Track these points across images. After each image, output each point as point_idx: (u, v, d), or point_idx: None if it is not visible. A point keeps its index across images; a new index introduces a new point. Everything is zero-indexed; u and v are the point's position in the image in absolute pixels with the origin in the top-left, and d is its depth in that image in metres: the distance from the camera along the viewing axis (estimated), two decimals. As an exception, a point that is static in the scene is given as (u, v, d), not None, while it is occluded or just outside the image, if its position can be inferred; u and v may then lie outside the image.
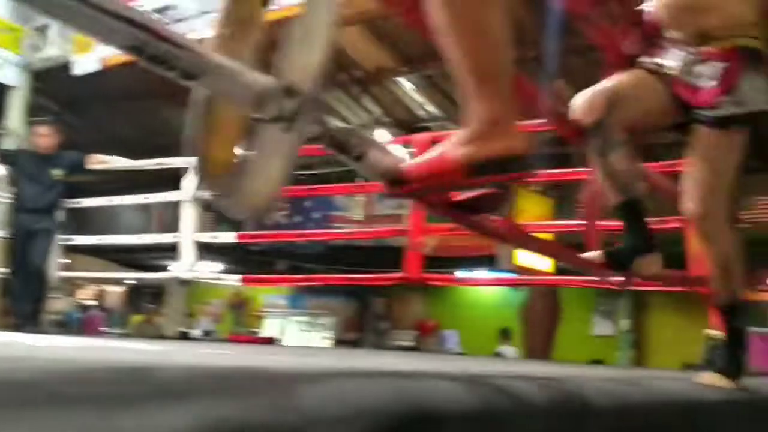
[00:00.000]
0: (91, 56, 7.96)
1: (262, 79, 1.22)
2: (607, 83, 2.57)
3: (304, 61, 1.27)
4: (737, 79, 2.34)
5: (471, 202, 1.69)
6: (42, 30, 8.45)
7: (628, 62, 2.71)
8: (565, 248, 3.33)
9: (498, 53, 1.48)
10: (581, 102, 2.57)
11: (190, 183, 6.18)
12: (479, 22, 1.45)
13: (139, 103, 11.61)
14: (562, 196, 10.21)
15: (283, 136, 1.23)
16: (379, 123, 12.04)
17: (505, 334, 12.38)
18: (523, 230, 3.09)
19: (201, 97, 1.34)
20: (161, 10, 7.46)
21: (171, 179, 6.74)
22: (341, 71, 10.62)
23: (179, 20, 7.39)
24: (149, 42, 1.06)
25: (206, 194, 5.93)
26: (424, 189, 1.56)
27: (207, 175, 1.37)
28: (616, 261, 2.59)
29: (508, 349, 12.05)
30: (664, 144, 9.78)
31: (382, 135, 11.66)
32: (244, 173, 1.26)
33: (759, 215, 9.37)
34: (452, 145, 1.51)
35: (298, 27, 1.29)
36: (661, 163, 4.71)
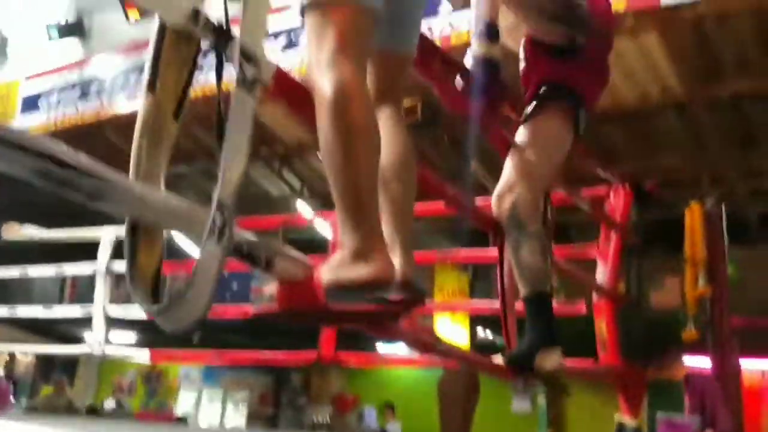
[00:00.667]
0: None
1: (185, 202, 1.31)
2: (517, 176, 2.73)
3: (232, 177, 1.36)
4: None
5: (356, 314, 1.73)
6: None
7: None
8: (470, 354, 3.42)
9: (363, 187, 1.62)
10: (494, 197, 2.73)
11: (104, 254, 6.12)
12: (345, 156, 1.61)
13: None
14: (479, 271, 10.41)
15: (212, 251, 1.31)
16: (299, 196, 12.14)
17: (389, 409, 12.28)
18: (429, 336, 3.19)
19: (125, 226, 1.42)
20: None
21: (87, 248, 6.67)
22: (263, 145, 10.72)
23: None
24: (53, 170, 1.11)
25: (120, 267, 5.99)
26: (293, 311, 1.64)
27: (136, 285, 1.43)
28: (516, 364, 2.66)
29: (393, 425, 11.94)
30: (577, 226, 10.15)
31: (303, 208, 11.77)
32: (176, 295, 1.33)
33: (668, 296, 9.67)
34: (323, 269, 1.60)
35: (226, 148, 1.38)
36: (570, 245, 4.89)
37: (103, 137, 10.53)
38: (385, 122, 1.95)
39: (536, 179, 2.72)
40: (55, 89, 8.06)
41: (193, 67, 1.57)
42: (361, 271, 1.57)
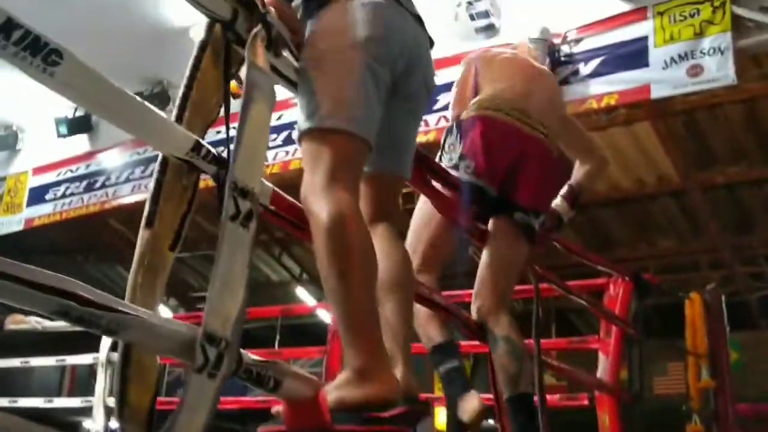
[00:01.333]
0: (16, 217, 8.05)
1: (185, 330, 1.33)
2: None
3: (225, 309, 1.38)
4: None
5: None
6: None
7: None
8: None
9: (364, 309, 1.67)
10: (473, 301, 2.82)
11: (105, 345, 6.16)
12: (343, 279, 1.66)
13: (61, 258, 11.57)
14: (480, 360, 10.35)
15: (206, 383, 1.31)
16: (299, 281, 12.20)
17: None
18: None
19: (121, 347, 1.43)
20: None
21: (89, 338, 6.69)
22: (262, 231, 10.82)
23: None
24: (74, 307, 1.14)
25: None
26: (300, 430, 1.64)
27: (126, 422, 1.42)
28: None
29: None
30: (576, 311, 10.13)
31: (303, 294, 11.85)
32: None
33: (671, 382, 9.60)
34: (329, 388, 1.63)
35: (216, 280, 1.39)
36: (570, 339, 4.91)
37: (107, 225, 10.65)
38: (382, 239, 2.01)
39: (495, 288, 2.83)
40: (61, 181, 8.19)
41: (193, 196, 1.61)
42: (367, 391, 1.60)
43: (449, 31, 5.87)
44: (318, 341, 7.08)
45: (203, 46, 1.68)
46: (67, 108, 7.90)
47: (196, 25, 6.44)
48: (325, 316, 7.44)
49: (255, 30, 1.67)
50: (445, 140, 3.02)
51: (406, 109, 2.08)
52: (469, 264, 3.08)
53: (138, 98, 1.43)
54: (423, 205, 2.88)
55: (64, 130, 7.86)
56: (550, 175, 2.98)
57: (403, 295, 2.00)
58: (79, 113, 7.85)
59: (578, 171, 3.29)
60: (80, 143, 8.11)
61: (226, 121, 1.59)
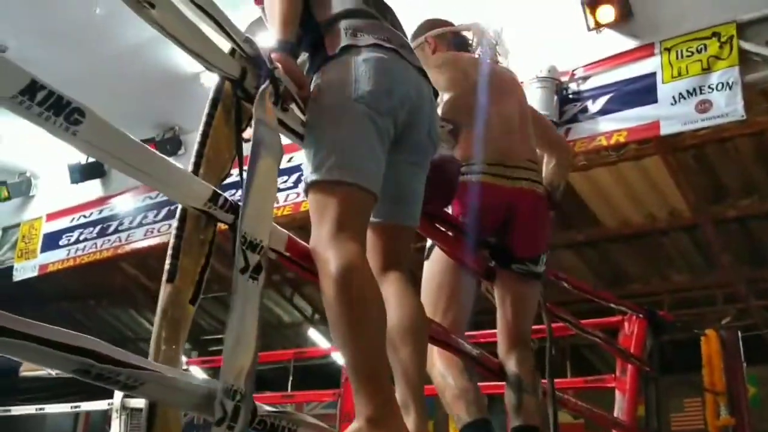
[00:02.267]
0: (30, 263, 8.11)
1: (204, 384, 1.34)
2: None
3: (239, 362, 1.40)
4: None
5: None
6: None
7: None
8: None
9: (373, 358, 1.68)
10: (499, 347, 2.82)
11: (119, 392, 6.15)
12: (352, 329, 1.68)
13: (75, 303, 11.62)
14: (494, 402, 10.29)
15: None
16: (311, 322, 12.18)
17: None
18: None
19: (144, 404, 1.44)
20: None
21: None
22: (274, 272, 10.84)
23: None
24: (94, 365, 1.15)
25: (136, 403, 6.02)
26: None
27: None
28: None
29: None
30: (591, 347, 10.06)
31: (315, 335, 11.83)
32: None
33: (688, 419, 9.51)
34: None
35: (230, 334, 1.42)
36: (586, 378, 4.88)
37: (120, 269, 10.69)
38: (393, 287, 2.04)
39: (509, 331, 2.86)
40: (75, 227, 8.25)
41: (210, 251, 1.63)
42: None
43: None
44: (331, 382, 7.06)
45: (214, 104, 1.72)
46: (79, 154, 7.99)
47: (207, 71, 6.57)
48: (338, 358, 7.42)
49: (263, 86, 1.71)
50: None
51: (411, 160, 2.11)
52: (482, 303, 3.08)
53: (157, 152, 1.46)
54: (436, 266, 2.86)
55: (77, 176, 7.95)
56: (541, 217, 2.94)
57: (416, 341, 2.00)
58: (92, 159, 7.93)
59: (548, 167, 3.21)
60: (93, 189, 8.18)
61: (240, 173, 1.62)
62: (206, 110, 1.71)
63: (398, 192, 2.09)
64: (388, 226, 2.11)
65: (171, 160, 1.49)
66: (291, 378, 7.48)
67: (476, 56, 3.18)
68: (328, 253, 1.75)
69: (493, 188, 2.79)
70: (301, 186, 1.92)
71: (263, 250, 1.54)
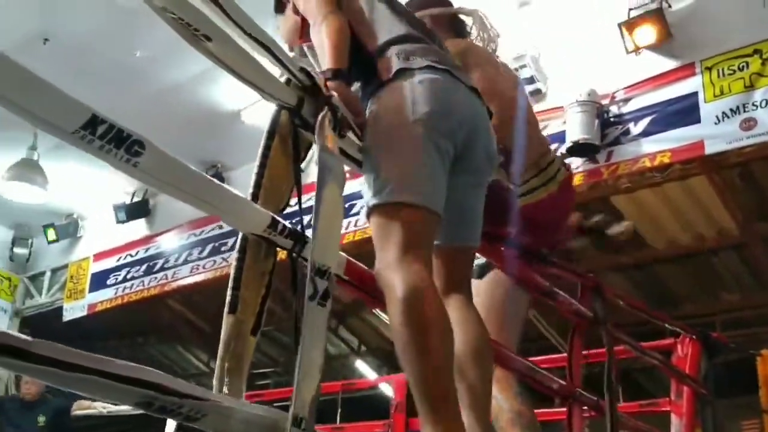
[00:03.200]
0: (79, 303, 8.24)
1: (271, 415, 1.35)
2: None
3: (307, 391, 1.41)
4: None
5: None
6: (35, 279, 8.82)
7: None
8: None
9: (440, 382, 1.66)
10: None
11: (170, 427, 6.17)
12: (419, 352, 1.67)
13: (123, 341, 11.73)
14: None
15: None
16: (357, 354, 12.14)
17: None
18: None
19: None
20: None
21: (155, 420, 6.73)
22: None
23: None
24: (158, 397, 1.17)
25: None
26: None
27: None
28: None
29: None
30: (643, 371, 9.91)
31: (362, 367, 11.77)
32: None
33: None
34: None
35: (300, 362, 1.43)
36: (640, 402, 4.80)
37: (166, 306, 10.77)
38: (456, 309, 2.02)
39: None
40: (122, 266, 8.37)
41: (271, 280, 1.65)
42: None
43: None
44: (380, 413, 7.02)
45: (271, 134, 1.73)
46: (124, 195, 8.13)
47: (248, 108, 6.67)
48: (387, 389, 7.38)
49: (322, 114, 1.72)
50: None
51: (470, 180, 2.11)
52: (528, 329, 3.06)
53: (216, 180, 1.48)
54: (489, 286, 2.83)
55: (122, 216, 8.08)
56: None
57: (482, 366, 2.00)
58: (137, 199, 8.07)
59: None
60: (138, 228, 8.31)
61: (299, 203, 1.64)
62: (263, 141, 1.72)
63: (458, 214, 2.08)
64: (449, 249, 2.11)
65: (230, 188, 1.51)
66: (339, 410, 7.45)
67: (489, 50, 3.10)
68: (393, 278, 1.74)
69: (549, 200, 2.82)
70: (363, 211, 1.93)
71: (330, 276, 1.54)
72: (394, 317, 1.71)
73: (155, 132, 1.26)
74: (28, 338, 1.04)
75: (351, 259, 1.89)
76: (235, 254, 1.61)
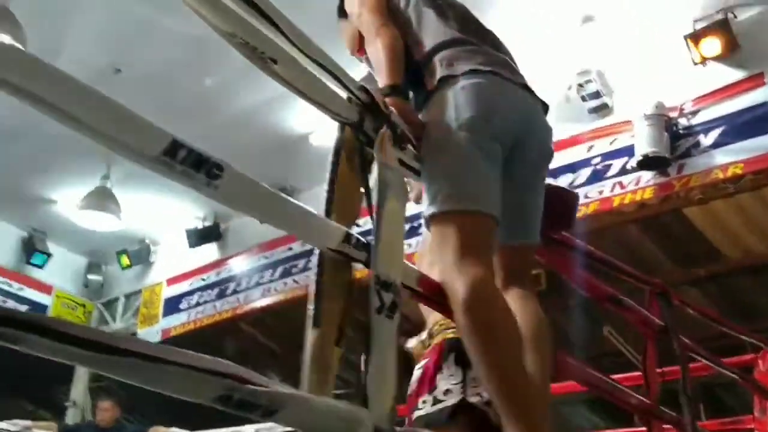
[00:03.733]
0: (153, 329, 8.39)
1: (351, 408, 1.38)
2: None
3: (381, 407, 1.43)
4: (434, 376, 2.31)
5: None
6: (109, 305, 9.01)
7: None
8: None
9: (513, 382, 1.69)
10: None
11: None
12: (488, 353, 1.70)
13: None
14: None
15: None
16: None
17: None
18: None
19: None
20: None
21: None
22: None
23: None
24: (237, 388, 1.18)
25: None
26: None
27: None
28: None
29: None
30: (723, 385, 9.64)
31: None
32: None
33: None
34: None
35: (372, 373, 1.46)
36: (722, 419, 4.69)
37: (239, 329, 10.91)
38: (516, 300, 2.04)
39: None
40: (194, 290, 8.51)
41: (350, 292, 1.67)
42: None
43: (561, 114, 5.87)
44: None
45: (337, 152, 1.77)
46: (195, 219, 8.29)
47: (316, 131, 6.75)
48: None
49: (382, 131, 1.77)
50: None
51: (527, 177, 2.12)
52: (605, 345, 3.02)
53: (291, 199, 1.51)
54: None
55: (194, 240, 8.23)
56: None
57: (542, 351, 1.99)
58: (208, 224, 8.22)
59: None
60: (209, 252, 8.44)
61: (370, 214, 1.67)
62: (330, 158, 1.76)
63: (517, 212, 2.10)
64: (508, 247, 2.12)
65: (304, 205, 1.55)
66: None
67: None
68: (455, 284, 1.77)
69: None
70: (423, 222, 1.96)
71: (397, 288, 1.57)
72: (460, 323, 1.75)
73: (225, 157, 1.30)
74: (113, 333, 1.07)
75: (425, 273, 1.91)
76: (313, 270, 1.65)
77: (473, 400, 2.16)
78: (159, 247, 9.02)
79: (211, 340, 11.00)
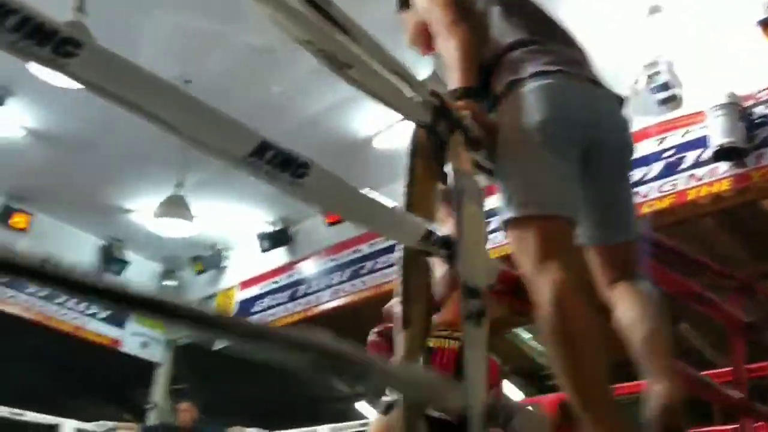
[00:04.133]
0: (228, 331, 8.52)
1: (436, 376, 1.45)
2: None
3: (473, 408, 1.47)
4: None
5: None
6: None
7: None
8: None
9: (593, 389, 1.68)
10: None
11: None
12: (571, 362, 1.69)
13: (277, 370, 12.04)
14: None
15: None
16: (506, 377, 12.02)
17: None
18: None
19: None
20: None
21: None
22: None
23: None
24: (327, 353, 1.23)
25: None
26: None
27: None
28: None
29: None
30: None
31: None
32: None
33: None
34: None
35: (466, 380, 1.47)
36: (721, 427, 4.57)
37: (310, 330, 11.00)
38: (623, 294, 2.03)
39: None
40: (266, 293, 8.63)
41: (430, 294, 1.70)
42: None
43: (629, 108, 5.79)
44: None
45: (413, 153, 1.78)
46: (265, 224, 8.42)
47: (379, 134, 6.79)
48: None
49: (454, 135, 1.77)
50: None
51: (611, 174, 2.09)
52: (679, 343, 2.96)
53: (373, 197, 1.54)
54: None
55: (266, 244, 8.36)
56: None
57: (654, 317, 1.97)
58: (278, 228, 8.34)
59: None
60: (279, 256, 8.56)
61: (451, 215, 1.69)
62: (407, 160, 1.79)
63: (606, 212, 2.08)
64: (607, 248, 2.10)
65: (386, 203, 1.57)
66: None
67: None
68: (537, 289, 1.77)
69: None
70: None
71: (483, 294, 1.58)
72: (542, 329, 1.75)
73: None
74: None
75: (505, 267, 1.92)
76: (397, 269, 1.68)
77: None
78: (230, 253, 9.18)
79: (283, 342, 11.11)
